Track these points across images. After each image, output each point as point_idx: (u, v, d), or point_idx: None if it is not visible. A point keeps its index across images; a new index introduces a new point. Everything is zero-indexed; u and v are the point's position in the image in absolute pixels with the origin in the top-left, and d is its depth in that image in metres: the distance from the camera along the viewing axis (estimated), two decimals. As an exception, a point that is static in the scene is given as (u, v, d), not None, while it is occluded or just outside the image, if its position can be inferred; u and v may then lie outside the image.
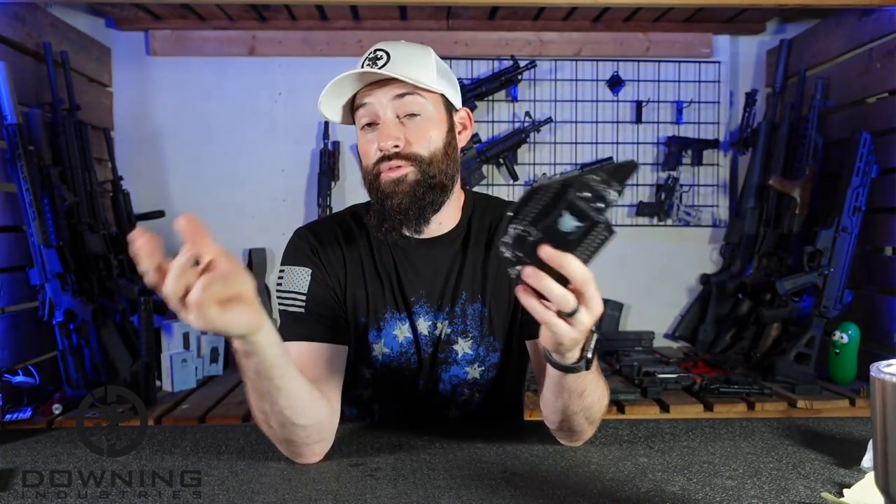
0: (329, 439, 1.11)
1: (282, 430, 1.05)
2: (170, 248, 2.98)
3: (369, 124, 1.20)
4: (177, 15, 2.78)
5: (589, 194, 0.78)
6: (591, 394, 1.05)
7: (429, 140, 1.19)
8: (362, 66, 1.18)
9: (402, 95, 1.18)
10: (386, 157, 1.18)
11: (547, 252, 0.82)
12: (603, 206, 0.78)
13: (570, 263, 0.83)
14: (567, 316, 0.86)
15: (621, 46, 2.94)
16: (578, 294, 0.86)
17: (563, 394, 1.04)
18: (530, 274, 0.82)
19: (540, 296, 0.85)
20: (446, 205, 1.23)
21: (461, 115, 1.28)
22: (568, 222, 0.79)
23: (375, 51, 1.19)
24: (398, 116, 1.18)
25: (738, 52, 3.00)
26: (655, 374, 2.30)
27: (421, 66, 1.20)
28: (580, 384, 1.02)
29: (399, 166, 1.17)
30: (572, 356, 0.94)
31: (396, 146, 1.17)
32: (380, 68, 1.16)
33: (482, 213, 1.31)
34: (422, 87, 1.18)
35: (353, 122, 1.25)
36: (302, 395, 1.03)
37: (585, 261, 0.83)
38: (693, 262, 2.99)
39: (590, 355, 0.95)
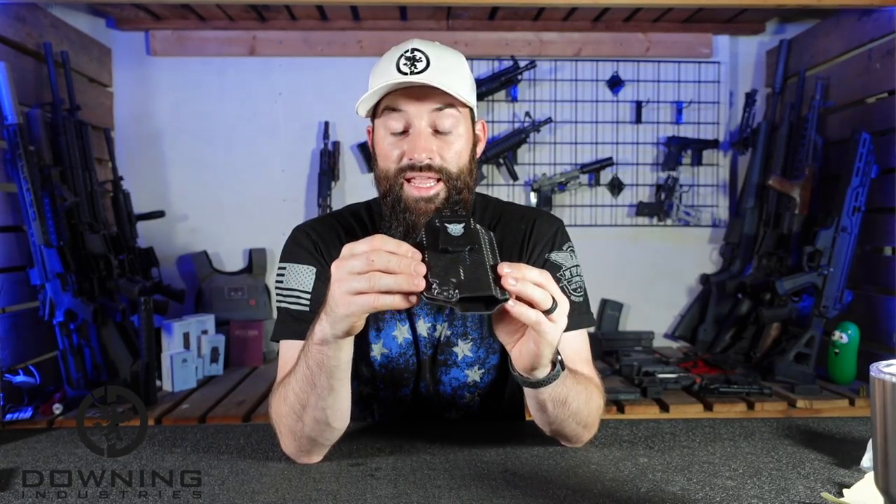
0: None
1: (312, 427, 1.05)
2: (169, 246, 2.99)
3: (396, 127, 1.16)
4: (177, 15, 2.79)
5: (447, 212, 0.91)
6: (574, 399, 1.06)
7: (458, 155, 1.17)
8: (397, 64, 1.13)
9: (440, 109, 1.15)
10: (415, 168, 1.14)
11: (506, 271, 0.86)
12: (463, 212, 0.90)
13: (529, 271, 0.88)
14: (548, 314, 0.89)
15: (621, 46, 2.95)
16: (546, 290, 0.89)
17: (546, 406, 1.06)
18: (516, 283, 0.85)
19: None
20: None
21: (478, 126, 1.26)
22: (454, 228, 0.88)
23: (413, 50, 1.15)
24: (430, 127, 1.15)
25: (737, 52, 3.01)
26: (655, 373, 2.30)
27: (459, 76, 1.17)
28: (560, 393, 1.03)
29: (429, 185, 1.15)
30: (546, 368, 0.97)
31: (430, 159, 1.15)
32: (419, 72, 1.12)
33: (481, 213, 1.31)
34: (460, 101, 1.15)
35: (370, 115, 1.21)
36: (346, 400, 1.06)
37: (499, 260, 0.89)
38: (693, 262, 2.99)
39: (559, 357, 0.99)
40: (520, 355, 0.94)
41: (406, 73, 1.12)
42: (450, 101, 1.15)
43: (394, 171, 1.17)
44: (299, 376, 1.02)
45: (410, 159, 1.14)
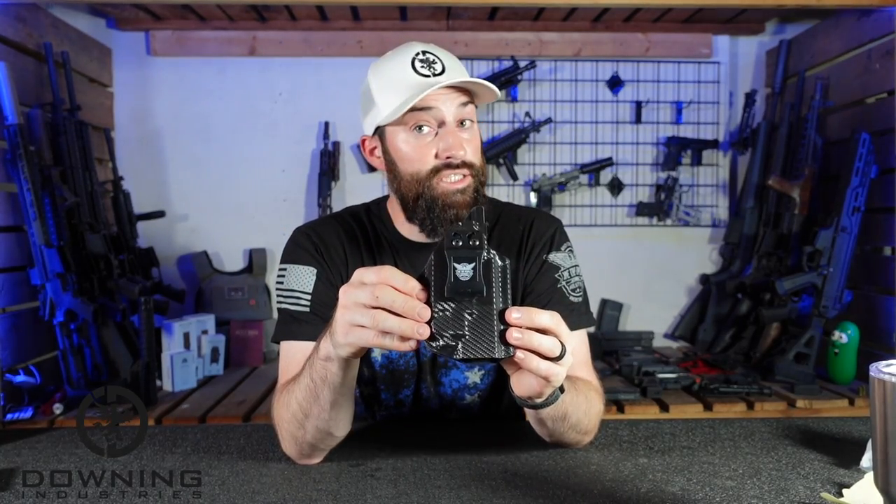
0: None
1: (314, 435, 1.06)
2: (169, 247, 2.99)
3: (419, 127, 1.15)
4: (177, 15, 2.79)
5: (459, 240, 0.82)
6: (573, 412, 1.06)
7: (478, 150, 1.20)
8: (414, 67, 1.15)
9: (465, 104, 1.16)
10: (451, 166, 1.15)
11: (515, 318, 0.81)
12: (477, 241, 0.82)
13: (539, 316, 0.83)
14: (557, 360, 0.85)
15: (621, 47, 2.95)
16: (557, 336, 0.85)
17: (545, 423, 1.07)
18: (521, 337, 0.81)
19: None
20: None
21: None
22: (463, 270, 0.81)
23: (424, 52, 1.16)
24: (456, 123, 1.16)
25: (737, 52, 3.01)
26: (655, 373, 2.30)
27: (466, 74, 1.19)
28: (560, 410, 1.02)
29: (460, 178, 1.16)
30: (549, 393, 0.93)
31: (465, 155, 1.15)
32: (440, 72, 1.15)
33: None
34: (478, 96, 1.17)
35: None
36: (349, 412, 1.07)
37: (513, 301, 0.83)
38: (693, 262, 2.99)
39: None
40: (518, 385, 0.91)
41: (429, 76, 1.14)
42: (470, 98, 1.17)
43: (426, 173, 1.16)
44: (303, 387, 1.02)
45: (448, 157, 1.15)
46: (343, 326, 0.88)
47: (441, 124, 1.15)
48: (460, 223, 0.84)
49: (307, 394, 1.02)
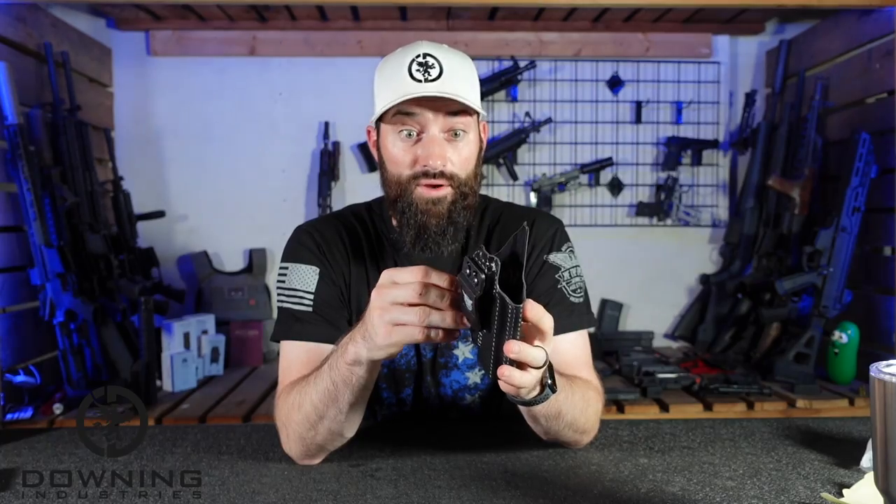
0: None
1: (325, 436, 1.07)
2: (170, 247, 2.99)
3: (407, 131, 1.15)
4: (177, 15, 2.79)
5: (469, 270, 0.82)
6: (568, 411, 1.06)
7: (467, 161, 1.17)
8: (409, 70, 1.12)
9: (454, 114, 1.14)
10: (428, 174, 1.14)
11: (530, 315, 0.83)
12: (477, 282, 0.79)
13: (544, 320, 0.84)
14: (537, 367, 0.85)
15: (621, 47, 2.95)
16: (543, 340, 0.86)
17: (539, 420, 1.07)
18: (518, 351, 0.80)
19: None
20: None
21: (481, 127, 1.25)
22: (467, 301, 0.83)
23: (425, 56, 1.14)
24: (443, 132, 1.15)
25: (737, 52, 3.01)
26: (655, 373, 2.30)
27: (470, 82, 1.17)
28: (553, 408, 1.03)
29: (439, 186, 1.15)
30: (532, 393, 0.93)
31: (443, 166, 1.14)
32: (434, 79, 1.12)
33: (482, 214, 1.31)
34: (473, 108, 1.15)
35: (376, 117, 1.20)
36: (361, 413, 1.08)
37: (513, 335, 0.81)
38: (693, 262, 2.99)
39: (550, 381, 0.95)
40: (503, 386, 0.92)
41: (421, 81, 1.12)
42: (463, 108, 1.14)
43: (406, 177, 1.16)
44: (320, 389, 1.02)
45: (425, 166, 1.14)
46: (384, 328, 0.88)
47: (424, 131, 1.14)
48: (484, 252, 0.80)
49: (325, 396, 1.02)
